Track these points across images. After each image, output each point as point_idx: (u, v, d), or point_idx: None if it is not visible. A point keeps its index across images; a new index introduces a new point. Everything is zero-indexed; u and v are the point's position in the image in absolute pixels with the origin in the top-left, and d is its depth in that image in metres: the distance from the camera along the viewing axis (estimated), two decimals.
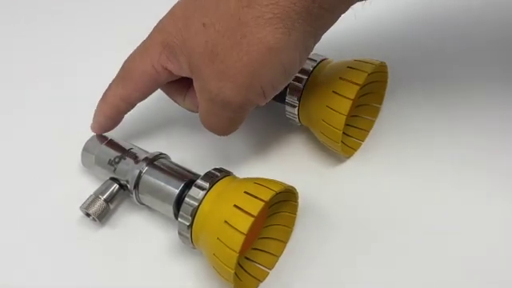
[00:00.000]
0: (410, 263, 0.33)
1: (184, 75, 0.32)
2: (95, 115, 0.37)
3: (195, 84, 0.31)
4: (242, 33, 0.27)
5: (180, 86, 0.35)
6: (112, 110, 0.36)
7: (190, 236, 0.31)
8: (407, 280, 0.33)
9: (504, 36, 0.45)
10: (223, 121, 0.32)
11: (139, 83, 0.34)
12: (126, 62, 0.35)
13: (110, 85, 0.36)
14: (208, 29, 0.28)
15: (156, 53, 0.32)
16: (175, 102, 0.36)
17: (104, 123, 0.37)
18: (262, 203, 0.28)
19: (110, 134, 0.38)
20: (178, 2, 0.32)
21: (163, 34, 0.31)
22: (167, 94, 0.36)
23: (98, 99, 0.44)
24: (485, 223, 0.34)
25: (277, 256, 0.34)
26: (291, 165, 0.38)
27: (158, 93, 0.45)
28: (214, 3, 0.28)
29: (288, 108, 0.36)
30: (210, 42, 0.28)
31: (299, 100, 0.36)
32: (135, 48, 0.34)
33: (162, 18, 0.32)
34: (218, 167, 0.33)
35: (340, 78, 0.34)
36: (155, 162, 0.34)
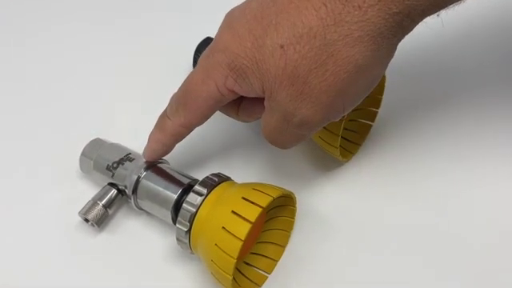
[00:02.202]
0: (406, 266, 0.33)
1: (252, 96, 0.30)
2: (150, 143, 0.34)
3: (267, 103, 0.29)
4: (328, 53, 0.26)
5: (232, 101, 0.32)
6: (171, 138, 0.34)
7: (188, 242, 0.31)
8: (404, 282, 0.33)
9: (503, 38, 0.45)
10: (293, 138, 0.31)
11: (203, 108, 0.31)
12: (185, 87, 0.32)
13: (168, 113, 0.33)
14: (287, 50, 0.26)
15: (221, 76, 0.29)
16: (228, 115, 0.34)
17: (161, 151, 0.35)
18: (260, 209, 0.28)
19: (108, 139, 0.38)
20: (233, 18, 0.29)
21: (228, 56, 0.29)
22: (220, 110, 0.34)
23: (98, 103, 0.44)
24: (482, 224, 0.34)
25: (275, 260, 0.34)
26: (289, 169, 0.39)
27: (156, 96, 0.45)
28: (289, 22, 0.26)
29: None
30: (290, 63, 0.26)
31: None
32: (193, 71, 0.32)
33: (221, 37, 0.30)
34: (216, 172, 0.33)
35: None
36: (154, 168, 0.34)
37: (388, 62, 0.28)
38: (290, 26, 0.26)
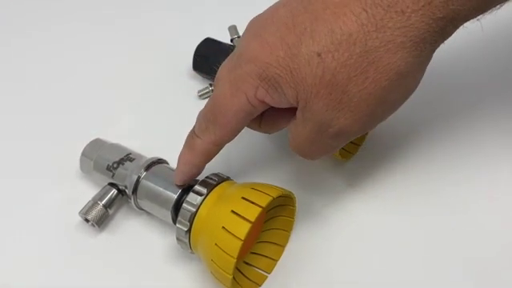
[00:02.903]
0: (406, 266, 0.33)
1: (283, 106, 0.29)
2: (180, 165, 0.32)
3: (300, 113, 0.28)
4: (369, 60, 0.25)
5: None
6: (202, 158, 0.32)
7: (188, 241, 0.31)
8: (405, 283, 0.33)
9: (501, 47, 0.45)
10: (324, 149, 0.29)
11: (234, 122, 0.30)
12: (212, 101, 0.30)
13: (196, 132, 0.32)
14: (325, 58, 0.25)
15: (252, 87, 0.28)
16: (249, 128, 0.33)
17: (191, 173, 0.33)
18: (259, 209, 0.28)
19: (108, 139, 0.38)
20: (259, 26, 0.28)
21: (259, 65, 0.27)
22: None
23: (98, 103, 0.44)
24: (481, 233, 0.34)
25: (275, 260, 0.34)
26: (289, 169, 0.39)
27: (156, 96, 0.45)
28: (326, 29, 0.25)
29: None
30: (328, 72, 0.25)
31: None
32: (218, 85, 0.30)
33: (247, 46, 0.28)
34: (216, 172, 0.33)
35: None
36: (154, 168, 0.34)
37: (426, 68, 0.27)
38: (327, 33, 0.25)
